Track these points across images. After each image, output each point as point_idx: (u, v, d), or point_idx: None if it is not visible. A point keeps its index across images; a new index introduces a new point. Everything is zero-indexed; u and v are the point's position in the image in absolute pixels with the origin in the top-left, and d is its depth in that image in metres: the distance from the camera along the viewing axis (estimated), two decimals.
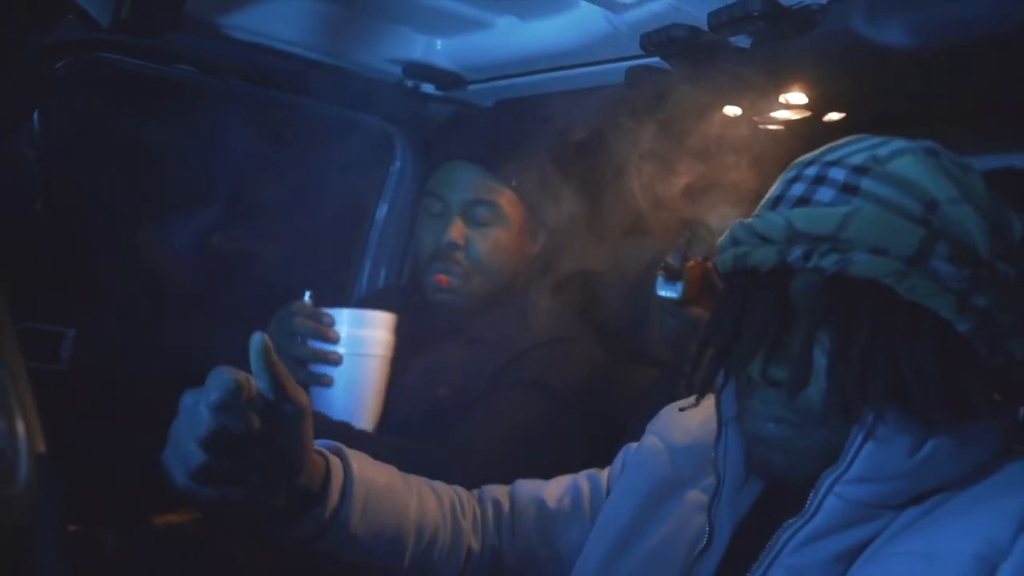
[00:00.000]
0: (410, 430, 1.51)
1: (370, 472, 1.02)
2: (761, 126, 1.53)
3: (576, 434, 1.56)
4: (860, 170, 0.79)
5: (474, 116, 1.86)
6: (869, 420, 0.76)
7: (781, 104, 1.41)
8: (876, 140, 0.83)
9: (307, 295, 1.49)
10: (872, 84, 1.31)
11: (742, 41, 1.21)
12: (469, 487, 1.20)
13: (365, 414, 1.49)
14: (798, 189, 0.82)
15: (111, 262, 1.88)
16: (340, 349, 1.44)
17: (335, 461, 0.98)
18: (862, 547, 0.77)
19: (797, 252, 0.77)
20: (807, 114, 1.45)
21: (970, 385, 0.75)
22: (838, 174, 0.80)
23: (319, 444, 0.99)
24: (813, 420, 0.80)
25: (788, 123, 1.51)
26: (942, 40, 1.03)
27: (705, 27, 1.17)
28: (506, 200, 1.65)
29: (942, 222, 0.76)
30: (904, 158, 0.79)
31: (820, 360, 0.79)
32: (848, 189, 0.78)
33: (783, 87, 1.35)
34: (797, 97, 1.37)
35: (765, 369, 0.80)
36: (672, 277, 1.33)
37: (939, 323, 0.74)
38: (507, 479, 1.23)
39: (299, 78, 1.62)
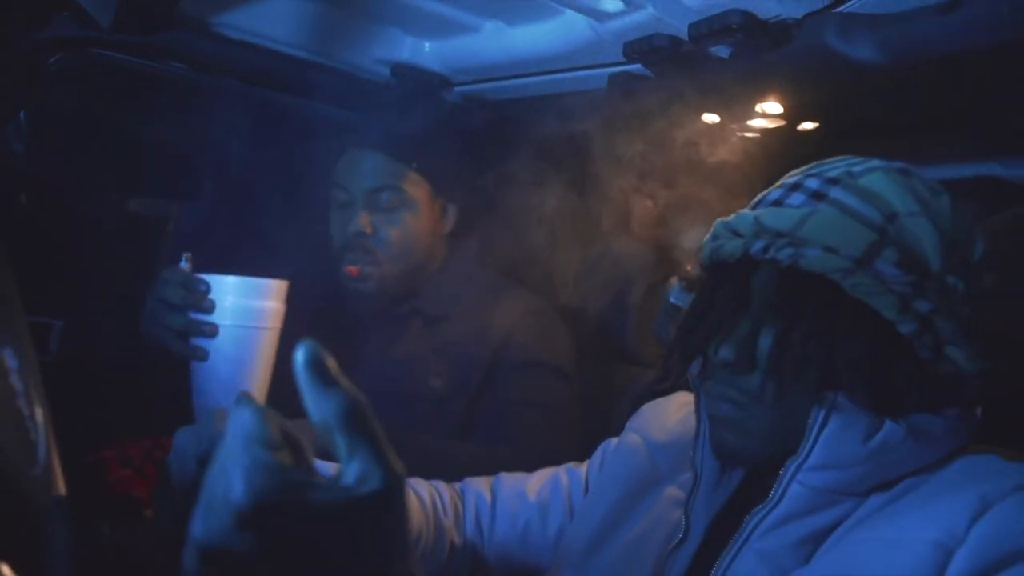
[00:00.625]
0: (415, 426, 1.53)
1: None
2: (739, 133, 1.57)
3: (577, 404, 1.62)
4: (832, 181, 0.86)
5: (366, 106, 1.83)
6: (824, 410, 0.81)
7: (757, 113, 1.45)
8: (857, 159, 0.89)
9: (184, 259, 1.35)
10: (845, 95, 1.35)
11: (721, 52, 1.24)
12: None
13: (250, 391, 1.36)
14: (775, 194, 0.89)
15: (97, 255, 1.89)
16: (225, 321, 1.30)
17: None
18: (828, 531, 0.82)
19: (758, 245, 0.84)
20: (782, 123, 1.50)
21: (902, 383, 0.80)
22: (812, 183, 0.87)
23: None
24: (758, 401, 0.85)
25: (764, 131, 1.56)
26: (910, 56, 1.08)
27: (686, 37, 1.21)
28: (409, 183, 1.66)
29: (898, 232, 0.81)
30: (875, 174, 0.86)
31: (765, 345, 0.85)
32: (817, 196, 0.85)
33: (760, 97, 1.39)
34: (773, 107, 1.42)
35: (717, 350, 0.87)
36: (690, 288, 1.36)
37: (882, 323, 0.80)
38: (547, 463, 1.27)
39: (289, 77, 1.65)
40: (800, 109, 1.45)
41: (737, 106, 1.43)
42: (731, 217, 0.90)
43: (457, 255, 1.80)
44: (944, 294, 0.81)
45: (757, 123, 1.52)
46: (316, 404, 0.57)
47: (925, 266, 0.81)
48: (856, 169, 0.87)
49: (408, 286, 1.72)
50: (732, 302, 0.89)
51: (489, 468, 1.30)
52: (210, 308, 1.29)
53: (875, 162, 0.88)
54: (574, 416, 1.63)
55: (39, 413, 0.53)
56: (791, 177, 0.91)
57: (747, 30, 1.12)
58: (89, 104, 1.72)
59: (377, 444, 0.57)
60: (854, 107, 1.44)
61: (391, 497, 0.57)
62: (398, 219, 1.66)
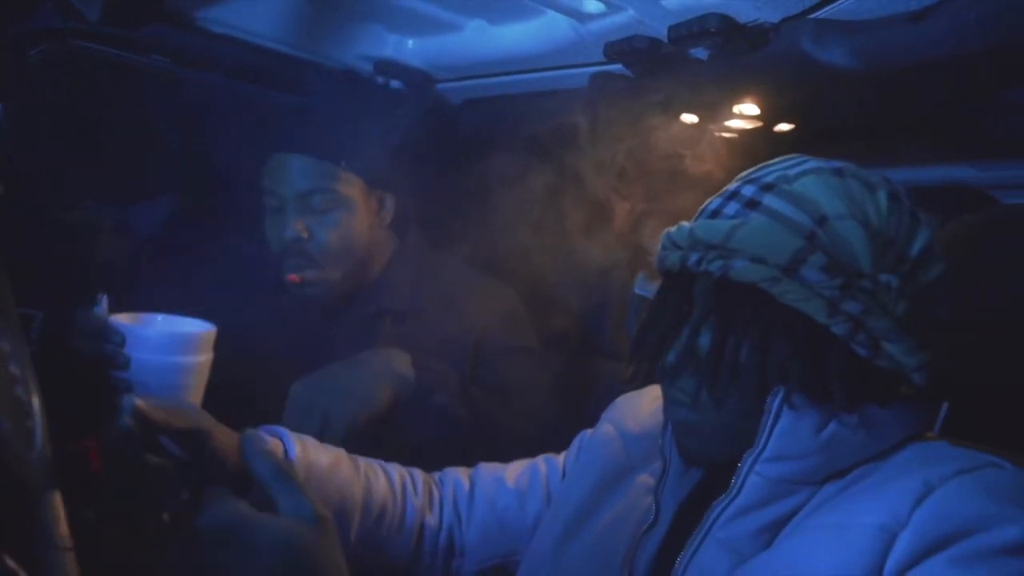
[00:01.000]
0: (412, 424, 1.54)
1: (313, 454, 1.10)
2: (717, 134, 1.60)
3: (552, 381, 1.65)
4: (767, 187, 0.88)
5: (287, 109, 1.79)
6: (775, 405, 0.84)
7: (735, 114, 1.48)
8: (796, 160, 0.92)
9: (101, 302, 1.19)
10: (820, 98, 1.38)
11: (700, 54, 1.27)
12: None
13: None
14: (715, 203, 0.92)
15: (77, 245, 1.90)
16: (142, 377, 1.15)
17: (275, 443, 1.07)
18: (786, 519, 0.86)
19: (694, 257, 0.87)
20: (759, 124, 1.53)
21: (836, 381, 0.83)
22: (748, 190, 0.90)
23: (263, 430, 1.09)
24: (706, 406, 0.89)
25: (741, 132, 1.59)
26: (882, 62, 1.11)
27: (665, 39, 1.23)
28: (340, 182, 1.61)
29: (828, 235, 0.84)
30: (808, 177, 0.88)
31: (702, 352, 0.89)
32: (751, 204, 0.88)
33: (737, 98, 1.42)
34: (750, 108, 1.44)
35: (664, 356, 0.91)
36: (653, 277, 1.37)
37: (816, 326, 0.83)
38: (544, 440, 1.30)
39: (272, 72, 1.65)
40: (777, 111, 1.47)
41: (715, 107, 1.46)
42: (674, 229, 0.94)
43: (407, 244, 1.78)
44: (876, 293, 0.83)
45: (735, 124, 1.54)
46: (256, 467, 0.78)
47: (855, 267, 0.84)
48: (791, 172, 0.90)
49: (355, 283, 1.70)
50: (677, 310, 0.93)
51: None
52: (124, 364, 1.16)
53: (811, 163, 0.91)
54: (553, 392, 1.66)
55: (35, 400, 0.54)
56: (734, 182, 0.94)
57: (725, 33, 1.14)
58: (70, 96, 1.72)
59: (302, 490, 0.77)
60: (829, 110, 1.47)
61: (322, 526, 0.75)
62: (334, 220, 1.61)
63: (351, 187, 1.63)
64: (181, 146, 1.95)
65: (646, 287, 1.40)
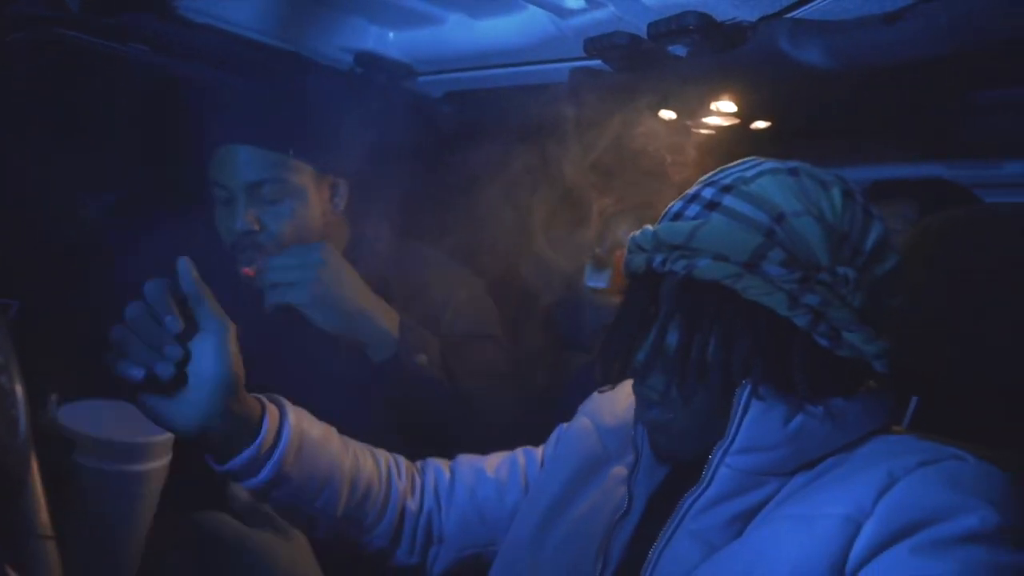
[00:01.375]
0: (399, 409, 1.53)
1: (307, 424, 1.12)
2: (694, 130, 1.62)
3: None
4: (726, 188, 0.91)
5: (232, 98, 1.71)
6: (744, 398, 0.86)
7: (712, 111, 1.50)
8: (753, 163, 0.94)
9: (49, 403, 1.11)
10: (796, 96, 1.40)
11: (679, 51, 1.28)
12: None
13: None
14: (677, 206, 0.95)
15: (54, 235, 1.88)
16: (88, 482, 1.05)
17: (272, 408, 1.08)
18: (756, 510, 0.88)
19: (658, 259, 0.90)
20: (736, 121, 1.55)
21: (799, 371, 0.86)
22: (708, 192, 0.92)
23: (267, 397, 1.11)
24: (676, 403, 0.91)
25: (718, 128, 1.60)
26: (857, 62, 1.13)
27: (645, 36, 1.24)
28: (290, 170, 1.56)
29: (786, 232, 0.87)
30: (764, 178, 0.91)
31: (669, 351, 0.91)
32: (711, 205, 0.91)
33: (715, 95, 1.43)
34: (727, 105, 1.46)
35: (633, 357, 0.93)
36: (599, 266, 1.38)
37: (779, 319, 0.85)
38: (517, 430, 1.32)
39: (252, 62, 1.65)
40: (754, 108, 1.49)
41: (693, 104, 1.47)
42: (638, 232, 0.96)
43: (365, 230, 1.74)
44: (834, 285, 0.86)
45: (712, 120, 1.56)
46: (185, 285, 0.97)
47: (813, 261, 0.87)
48: (748, 174, 0.92)
49: None
50: (644, 311, 0.95)
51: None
52: (69, 470, 1.06)
53: (767, 164, 0.94)
54: (526, 385, 1.66)
55: (18, 388, 0.55)
56: (694, 186, 0.97)
57: (704, 31, 1.15)
58: (47, 83, 1.70)
59: (215, 307, 0.98)
60: (804, 108, 1.49)
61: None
62: (285, 210, 1.57)
63: (301, 175, 1.59)
64: (148, 135, 1.93)
65: (596, 278, 1.42)
